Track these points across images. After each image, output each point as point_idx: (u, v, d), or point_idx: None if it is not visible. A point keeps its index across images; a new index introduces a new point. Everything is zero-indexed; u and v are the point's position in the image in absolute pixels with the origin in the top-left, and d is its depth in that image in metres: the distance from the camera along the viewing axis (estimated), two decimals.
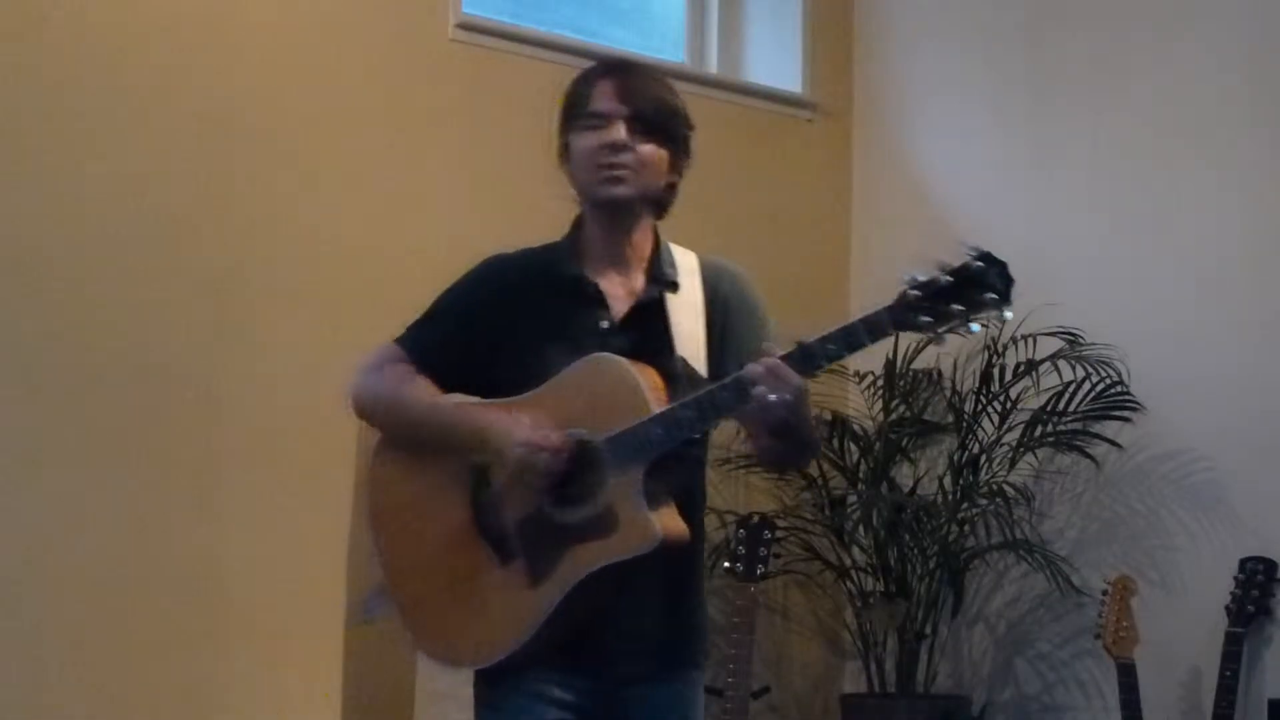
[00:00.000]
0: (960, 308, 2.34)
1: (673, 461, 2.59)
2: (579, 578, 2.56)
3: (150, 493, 3.88)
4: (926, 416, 4.88)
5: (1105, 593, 4.28)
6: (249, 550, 4.01)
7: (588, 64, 4.76)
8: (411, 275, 4.32)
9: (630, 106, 2.68)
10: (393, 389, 2.75)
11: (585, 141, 2.69)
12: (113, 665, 3.80)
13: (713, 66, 5.32)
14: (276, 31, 4.17)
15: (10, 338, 3.73)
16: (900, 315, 2.38)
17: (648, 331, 2.68)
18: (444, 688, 3.97)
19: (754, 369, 2.46)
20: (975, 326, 2.36)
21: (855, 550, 4.85)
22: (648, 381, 2.58)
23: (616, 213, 2.72)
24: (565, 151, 2.76)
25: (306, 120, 4.19)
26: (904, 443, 4.85)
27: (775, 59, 5.33)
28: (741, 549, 4.26)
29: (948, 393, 4.86)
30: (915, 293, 2.37)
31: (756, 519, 4.32)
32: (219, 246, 4.03)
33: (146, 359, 3.90)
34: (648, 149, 2.69)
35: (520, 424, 2.58)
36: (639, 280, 2.73)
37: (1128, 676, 4.16)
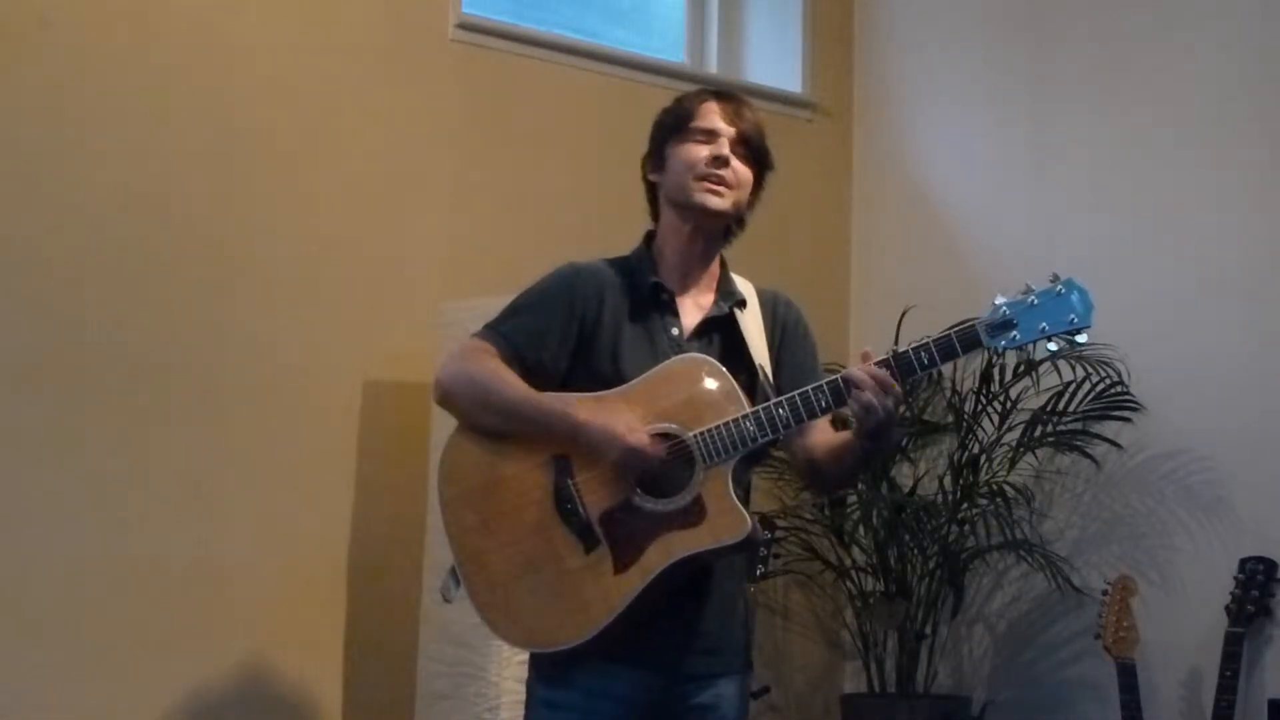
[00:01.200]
0: (1045, 326, 2.61)
1: (755, 462, 2.75)
2: (666, 565, 2.66)
3: (150, 492, 3.89)
4: (926, 416, 4.88)
5: (1105, 593, 4.28)
6: (249, 550, 4.01)
7: (586, 64, 4.80)
8: (411, 274, 4.35)
9: (737, 129, 2.85)
10: (487, 374, 2.79)
11: (690, 153, 2.83)
12: (113, 665, 3.80)
13: (713, 66, 5.32)
14: (276, 31, 4.17)
15: (10, 338, 3.73)
16: (993, 330, 2.61)
17: (721, 343, 2.83)
18: (444, 688, 3.97)
19: (856, 374, 2.61)
20: (1053, 345, 2.64)
21: (855, 550, 4.85)
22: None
23: (702, 224, 2.87)
24: (660, 162, 2.89)
25: (306, 120, 4.20)
26: (904, 443, 4.85)
27: (775, 59, 5.33)
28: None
29: (948, 393, 4.86)
30: (1006, 311, 2.61)
31: (757, 519, 4.31)
32: (219, 246, 4.03)
33: (146, 359, 3.90)
34: (744, 170, 2.86)
35: (618, 422, 2.68)
36: (707, 297, 2.88)
37: (1128, 676, 4.16)
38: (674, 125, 2.88)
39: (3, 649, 3.66)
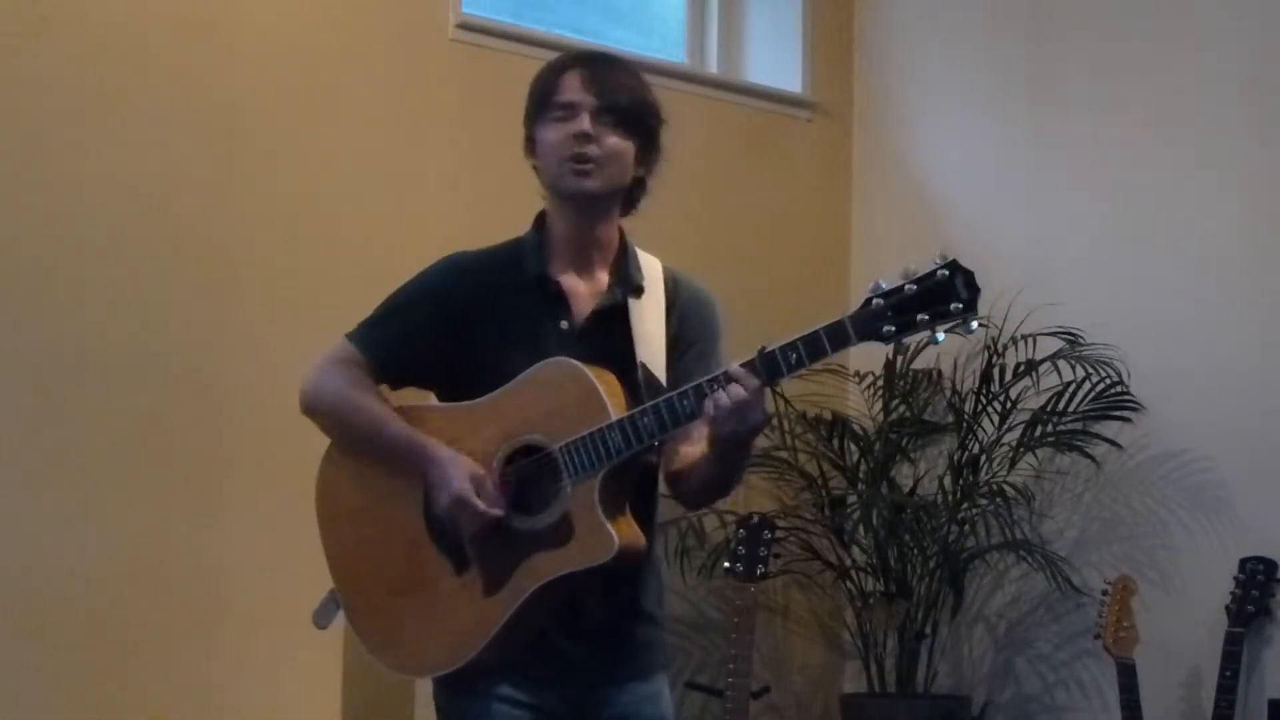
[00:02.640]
0: (925, 317, 2.32)
1: (629, 470, 2.53)
2: (535, 587, 2.51)
3: (150, 493, 3.88)
4: (926, 416, 4.88)
5: (1105, 593, 4.28)
6: (249, 550, 4.01)
7: None
8: (410, 274, 4.34)
9: (597, 97, 2.61)
10: (342, 396, 2.67)
11: (552, 133, 2.64)
12: (113, 665, 3.80)
13: (713, 66, 5.32)
14: (277, 31, 4.17)
15: (10, 338, 3.72)
16: (864, 324, 2.36)
17: (610, 335, 2.60)
18: None
19: (717, 378, 2.40)
20: (941, 336, 2.33)
21: (855, 550, 4.85)
22: (607, 387, 2.51)
23: (583, 208, 2.65)
24: (532, 144, 2.72)
25: (306, 120, 4.19)
26: (904, 443, 4.85)
27: (775, 59, 5.33)
28: (741, 549, 4.26)
29: (948, 393, 4.86)
30: (880, 301, 2.35)
31: (756, 519, 4.32)
32: (219, 246, 4.03)
33: (146, 359, 3.90)
34: (614, 140, 2.61)
35: (458, 471, 2.52)
36: (604, 281, 2.66)
37: (1128, 676, 4.16)
38: (537, 103, 2.70)
39: (2, 650, 3.66)
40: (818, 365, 2.42)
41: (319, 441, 4.17)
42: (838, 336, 2.37)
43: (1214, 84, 4.64)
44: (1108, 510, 4.75)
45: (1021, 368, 4.68)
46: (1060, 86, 4.98)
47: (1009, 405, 4.72)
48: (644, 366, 2.57)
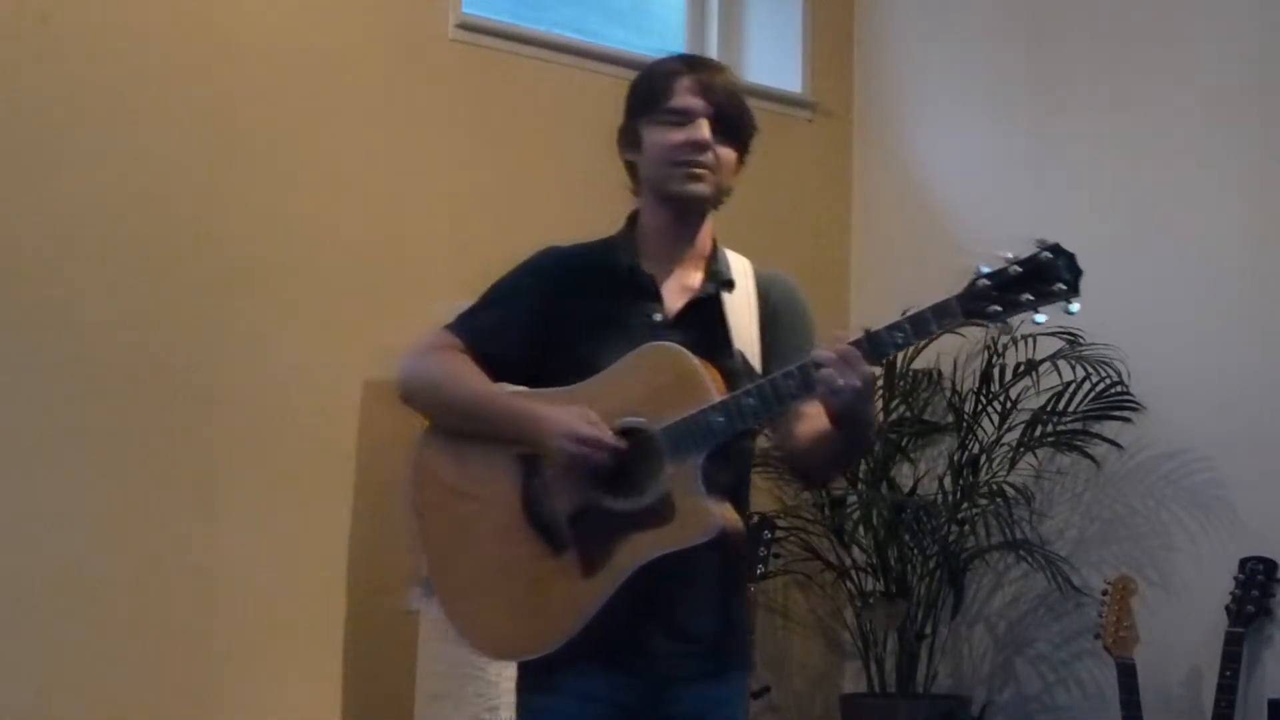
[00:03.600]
0: (1030, 297, 2.38)
1: (729, 453, 2.57)
2: (634, 567, 2.52)
3: (150, 493, 3.88)
4: (926, 416, 4.88)
5: (1105, 593, 4.28)
6: (249, 550, 4.01)
7: (586, 64, 4.79)
8: (411, 274, 4.35)
9: (714, 106, 2.67)
10: (444, 373, 2.69)
11: (665, 136, 2.67)
12: (112, 665, 3.80)
13: None
14: (277, 31, 4.17)
15: (10, 338, 3.72)
16: (970, 303, 2.41)
17: (703, 327, 2.66)
18: (444, 688, 3.97)
19: (821, 354, 2.44)
20: (1041, 317, 2.40)
21: (855, 550, 4.85)
22: (708, 371, 2.55)
23: (686, 210, 2.71)
24: (634, 141, 2.72)
25: (307, 120, 4.19)
26: (904, 443, 4.85)
27: (775, 59, 5.33)
28: None
29: (948, 393, 4.86)
30: (985, 282, 2.40)
31: (756, 519, 4.32)
32: (219, 246, 4.03)
33: (146, 359, 3.90)
34: (726, 150, 2.69)
35: (572, 417, 2.54)
36: (695, 277, 2.71)
37: (1128, 676, 4.16)
38: (646, 103, 2.71)
39: (2, 650, 3.66)
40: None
41: (318, 441, 4.19)
42: (945, 315, 2.42)
43: (1215, 84, 4.64)
44: (1108, 510, 4.75)
45: (1021, 368, 4.68)
46: (1060, 86, 4.98)
47: (1009, 405, 4.72)
48: (741, 354, 2.62)
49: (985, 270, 2.41)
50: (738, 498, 2.65)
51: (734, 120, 2.69)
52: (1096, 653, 4.45)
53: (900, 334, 2.44)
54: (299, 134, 4.18)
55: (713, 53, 5.34)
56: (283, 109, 4.15)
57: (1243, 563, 4.31)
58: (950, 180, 5.23)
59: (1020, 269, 2.39)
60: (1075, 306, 2.38)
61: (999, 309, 2.40)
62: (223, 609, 3.97)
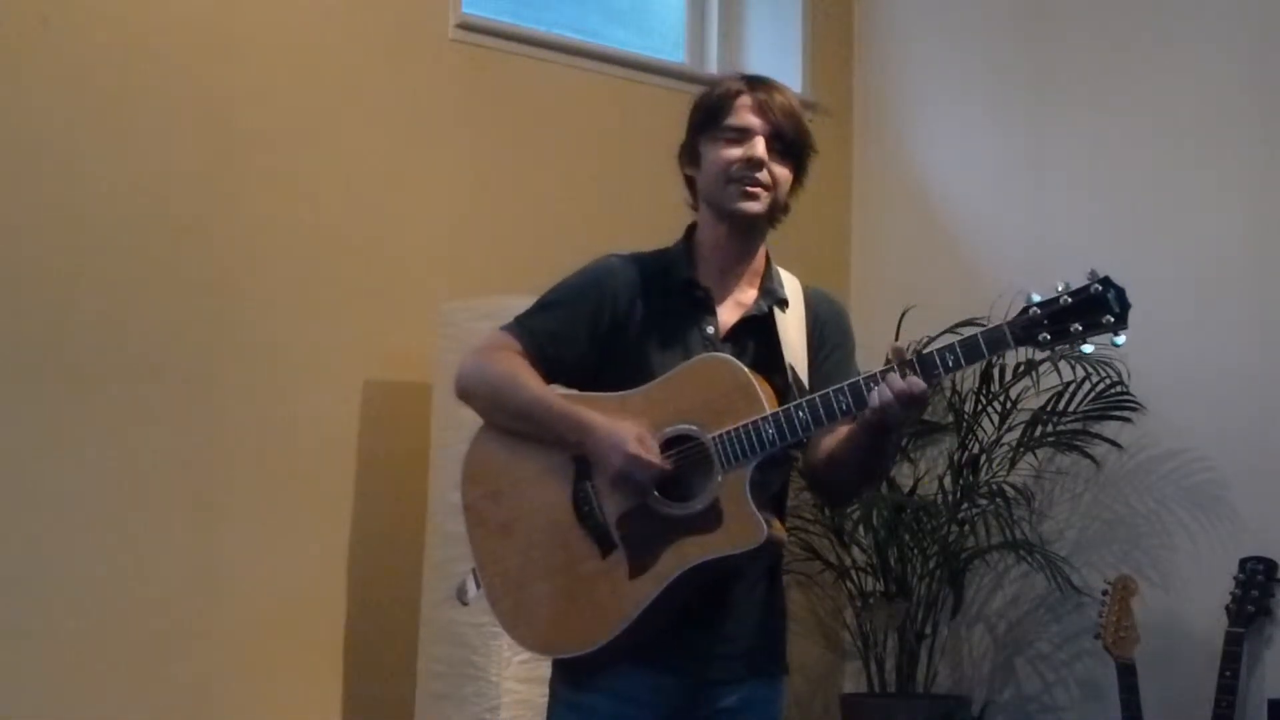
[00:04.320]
0: (1079, 327, 2.49)
1: (778, 465, 2.65)
2: (680, 572, 2.59)
3: (150, 494, 3.89)
4: (926, 416, 4.88)
5: (1105, 593, 4.28)
6: (249, 550, 4.01)
7: (586, 64, 4.79)
8: (412, 274, 4.35)
9: (771, 125, 2.74)
10: (501, 374, 2.73)
11: (724, 153, 2.73)
12: (112, 665, 3.80)
13: (713, 66, 5.32)
14: (277, 31, 4.17)
15: (10, 337, 3.73)
16: (1021, 331, 2.49)
17: (757, 343, 2.73)
18: (444, 688, 3.97)
19: (875, 375, 2.52)
20: (1088, 347, 2.52)
21: (855, 550, 4.85)
22: (760, 383, 2.62)
23: (739, 225, 2.76)
24: (694, 156, 2.79)
25: (307, 120, 4.20)
26: (904, 443, 4.85)
27: (775, 59, 5.33)
28: None
29: (948, 393, 4.85)
30: (1037, 310, 2.49)
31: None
32: (219, 246, 4.03)
33: (146, 359, 3.90)
34: (782, 170, 2.76)
35: (625, 431, 2.60)
36: (749, 294, 2.77)
37: (1128, 676, 4.16)
38: (706, 120, 2.78)
39: (2, 649, 3.66)
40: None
41: (319, 442, 4.19)
42: (996, 342, 2.50)
43: (1214, 84, 4.64)
44: (1108, 510, 4.75)
45: (1021, 368, 4.68)
46: (1060, 86, 4.98)
47: (1009, 405, 4.72)
48: (792, 369, 2.69)
49: (1037, 299, 2.50)
50: (780, 508, 2.74)
51: (791, 140, 2.77)
52: (1096, 653, 4.44)
53: (951, 357, 2.51)
54: (299, 134, 4.18)
55: (713, 53, 5.34)
56: (283, 109, 4.16)
57: (1243, 563, 4.31)
58: (950, 180, 5.23)
59: (1071, 299, 2.50)
60: (1122, 339, 2.50)
61: (1048, 337, 2.48)
62: (223, 609, 3.97)
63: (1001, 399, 4.73)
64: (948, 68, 5.29)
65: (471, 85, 4.52)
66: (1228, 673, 4.15)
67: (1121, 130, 4.81)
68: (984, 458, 4.74)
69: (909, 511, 4.73)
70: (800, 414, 2.56)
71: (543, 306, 2.80)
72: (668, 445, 2.63)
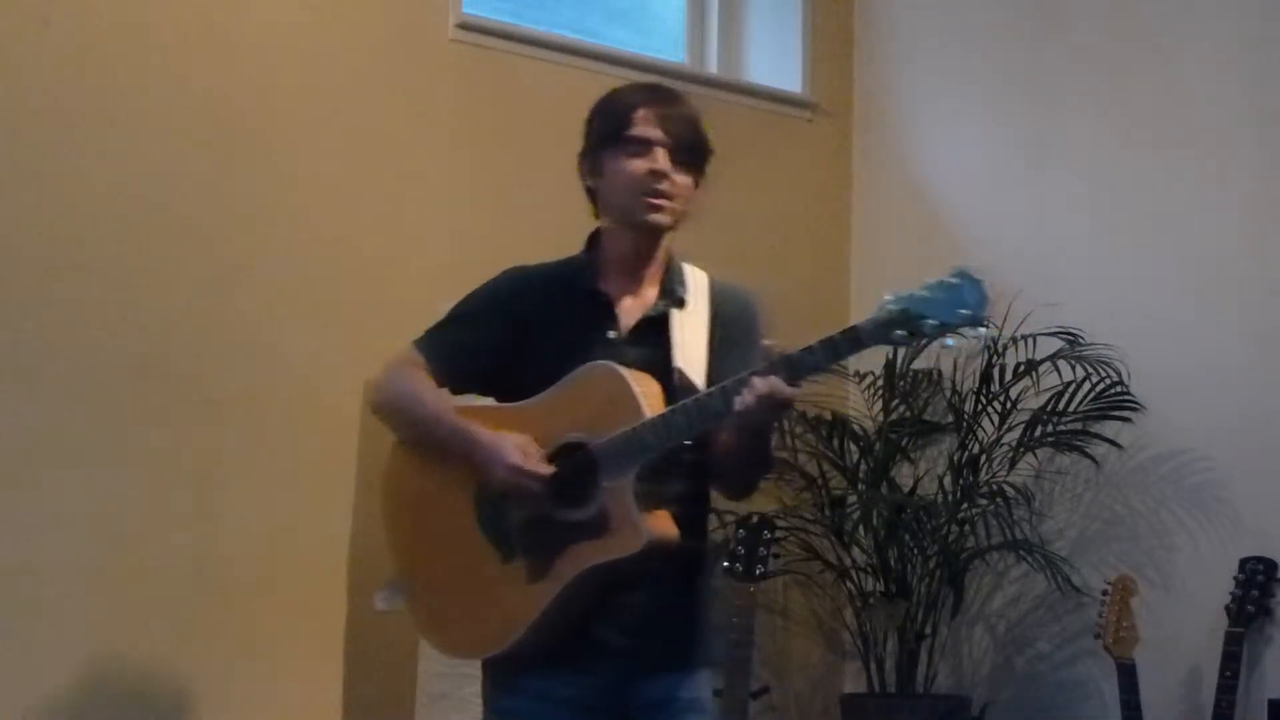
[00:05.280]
0: (935, 324, 2.47)
1: (669, 466, 2.69)
2: (574, 575, 2.67)
3: (150, 494, 3.88)
4: (926, 416, 4.88)
5: (1105, 593, 4.28)
6: (249, 550, 4.00)
7: (586, 64, 4.78)
8: (411, 274, 4.35)
9: (672, 137, 2.78)
10: (404, 391, 2.85)
11: (627, 166, 2.79)
12: (112, 664, 3.80)
13: (713, 66, 5.32)
14: (276, 31, 4.17)
15: (10, 337, 3.72)
16: (878, 329, 2.51)
17: (654, 344, 2.78)
18: (444, 688, 3.97)
19: (742, 378, 2.57)
20: (950, 341, 2.50)
21: (855, 550, 4.85)
22: (644, 389, 2.68)
23: (645, 235, 2.82)
24: (596, 167, 2.85)
25: (306, 120, 4.19)
26: (904, 443, 4.85)
27: (775, 59, 5.33)
28: (741, 549, 4.26)
29: (948, 393, 4.86)
30: (893, 308, 2.49)
31: (756, 519, 4.32)
32: (219, 246, 4.03)
33: (146, 359, 3.90)
34: (684, 178, 2.79)
35: (506, 444, 2.69)
36: (651, 294, 2.84)
37: (1128, 676, 4.16)
38: (607, 132, 2.83)
39: (2, 649, 3.66)
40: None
41: (319, 441, 4.19)
42: (854, 341, 2.54)
43: (1214, 84, 4.64)
44: (1108, 510, 4.75)
45: (1021, 368, 4.68)
46: (1060, 86, 4.98)
47: (1009, 405, 4.72)
48: (680, 372, 2.74)
49: (890, 298, 2.50)
50: (690, 507, 2.77)
51: (692, 149, 2.80)
52: (1096, 653, 4.44)
53: (812, 357, 2.55)
54: (299, 134, 4.18)
55: (713, 53, 5.34)
56: (283, 109, 4.16)
57: (1243, 563, 4.31)
58: (950, 180, 5.23)
59: (926, 294, 2.48)
60: (983, 331, 2.47)
61: (904, 334, 2.49)
62: (222, 609, 3.96)
63: (1001, 399, 4.73)
64: (948, 68, 5.29)
65: (471, 85, 4.52)
66: (1228, 673, 4.15)
67: (1121, 130, 4.81)
68: (984, 458, 4.74)
69: (909, 511, 4.73)
70: (677, 418, 2.62)
71: (450, 320, 2.91)
72: (560, 453, 2.71)
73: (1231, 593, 4.27)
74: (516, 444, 2.69)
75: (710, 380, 2.72)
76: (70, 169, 3.82)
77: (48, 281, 3.78)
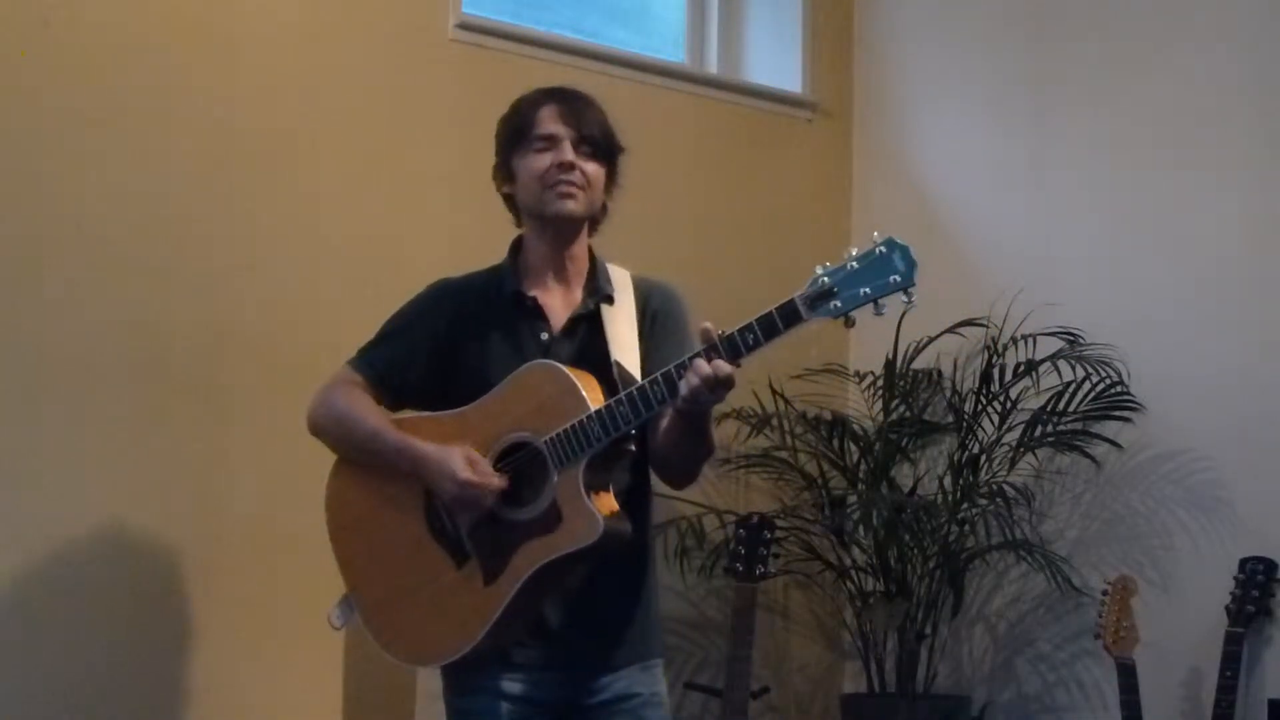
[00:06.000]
0: (868, 291, 2.53)
1: (614, 458, 2.75)
2: (530, 572, 2.71)
3: (150, 494, 3.88)
4: (926, 416, 4.88)
5: (1105, 593, 4.28)
6: (249, 550, 4.00)
7: (586, 64, 4.81)
8: (411, 274, 4.32)
9: (576, 130, 2.89)
10: (342, 410, 2.91)
11: (535, 162, 2.88)
12: (111, 664, 3.80)
13: (713, 66, 5.32)
14: (276, 31, 4.17)
15: (10, 337, 3.72)
16: (813, 302, 2.56)
17: (586, 341, 2.85)
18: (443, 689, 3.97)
19: (684, 363, 2.62)
20: (884, 309, 2.56)
21: (855, 550, 4.85)
22: (584, 383, 2.73)
23: (562, 229, 2.90)
24: (508, 174, 2.94)
25: (306, 120, 4.19)
26: (904, 443, 4.85)
27: (775, 59, 5.33)
28: (741, 549, 4.26)
29: (948, 393, 4.86)
30: (826, 279, 2.55)
31: (756, 519, 4.32)
32: (219, 246, 4.03)
33: (146, 359, 3.90)
34: (592, 167, 2.89)
35: (454, 458, 2.74)
36: (578, 295, 2.91)
37: (1128, 676, 4.16)
38: (515, 136, 2.94)
39: (1, 648, 3.66)
40: (774, 344, 2.62)
41: (318, 443, 4.17)
42: (790, 315, 2.57)
43: (1214, 84, 4.64)
44: (1108, 510, 4.75)
45: (1021, 368, 4.68)
46: (1060, 86, 4.98)
47: (1009, 405, 4.72)
48: (618, 364, 2.79)
49: (823, 269, 2.56)
50: (635, 501, 2.83)
51: (597, 139, 2.90)
52: (1096, 653, 4.45)
53: (751, 335, 2.59)
54: (299, 134, 4.18)
55: (713, 53, 5.34)
56: (282, 110, 4.15)
57: (1243, 563, 4.31)
58: (950, 180, 5.23)
59: (857, 264, 2.54)
60: (912, 295, 2.55)
61: (839, 305, 2.54)
62: (223, 608, 3.96)
63: (1001, 399, 4.73)
64: (948, 68, 5.29)
65: (471, 85, 4.51)
66: (1228, 673, 4.15)
67: (1121, 130, 4.81)
68: (984, 458, 4.74)
69: (909, 511, 4.73)
70: (621, 408, 2.66)
71: (382, 337, 2.98)
72: (504, 455, 2.77)
73: (1231, 593, 4.27)
74: (464, 455, 2.74)
75: (646, 372, 2.77)
76: (70, 169, 3.82)
77: (48, 281, 3.78)
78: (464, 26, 4.49)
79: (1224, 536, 4.48)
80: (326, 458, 4.12)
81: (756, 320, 2.59)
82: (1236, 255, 4.56)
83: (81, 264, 3.83)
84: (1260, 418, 4.46)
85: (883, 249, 2.53)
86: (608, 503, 2.72)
